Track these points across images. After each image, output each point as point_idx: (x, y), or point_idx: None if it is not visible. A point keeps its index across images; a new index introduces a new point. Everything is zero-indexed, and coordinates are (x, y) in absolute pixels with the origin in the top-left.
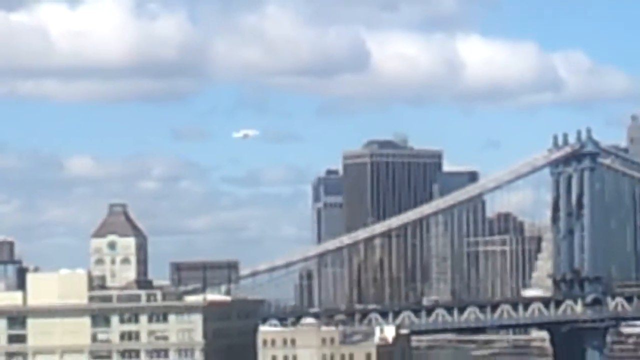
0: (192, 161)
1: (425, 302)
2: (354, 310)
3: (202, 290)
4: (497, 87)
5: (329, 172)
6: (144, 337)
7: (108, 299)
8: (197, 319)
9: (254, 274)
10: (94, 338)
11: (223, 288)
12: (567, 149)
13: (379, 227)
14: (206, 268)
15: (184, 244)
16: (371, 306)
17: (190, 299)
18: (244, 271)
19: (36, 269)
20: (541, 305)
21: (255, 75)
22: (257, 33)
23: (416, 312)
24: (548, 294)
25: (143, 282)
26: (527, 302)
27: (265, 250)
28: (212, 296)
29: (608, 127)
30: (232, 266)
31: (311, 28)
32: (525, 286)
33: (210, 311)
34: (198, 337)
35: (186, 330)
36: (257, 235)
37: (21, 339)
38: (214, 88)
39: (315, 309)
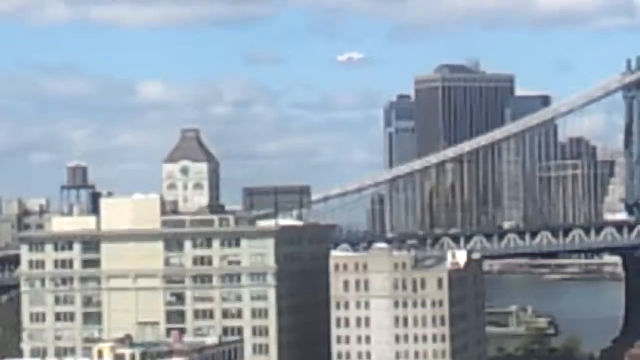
0: (264, 86)
1: (506, 226)
2: (426, 234)
3: (274, 215)
4: (570, 11)
5: (401, 96)
6: (216, 262)
7: (181, 223)
8: (269, 243)
9: (325, 199)
10: (167, 262)
11: (295, 213)
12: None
13: (451, 152)
14: (278, 193)
15: (256, 168)
16: (444, 230)
17: (263, 223)
18: (315, 196)
19: (109, 194)
20: (614, 230)
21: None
22: None
23: (488, 236)
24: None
25: (215, 207)
26: (600, 226)
27: (337, 175)
28: (284, 221)
29: None
30: (304, 191)
31: None
32: (597, 211)
33: (282, 236)
34: (270, 261)
35: (258, 254)
36: (328, 160)
37: (95, 263)
38: (285, 12)
39: (390, 234)
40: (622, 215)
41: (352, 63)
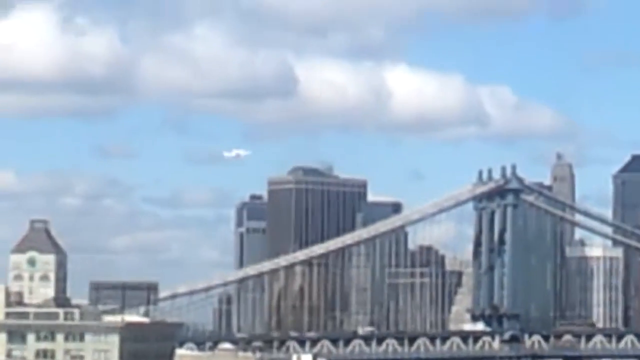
0: (116, 179)
1: (361, 331)
2: (272, 337)
3: (121, 310)
4: (423, 119)
5: (253, 197)
6: (59, 356)
7: (25, 315)
8: (114, 339)
9: (173, 297)
10: (9, 355)
11: (142, 309)
12: (491, 185)
13: (301, 255)
14: (125, 288)
15: (104, 263)
16: (292, 333)
17: (108, 319)
18: (163, 293)
19: None
20: (459, 340)
21: (181, 96)
22: (185, 53)
23: (334, 341)
24: (488, 328)
25: (61, 300)
26: (446, 336)
27: (186, 273)
28: (130, 317)
29: (532, 164)
30: (152, 288)
31: (239, 51)
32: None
33: (127, 332)
34: (114, 358)
35: (102, 350)
36: (178, 257)
37: None
38: (140, 107)
39: (242, 334)
40: (480, 326)
41: (231, 160)
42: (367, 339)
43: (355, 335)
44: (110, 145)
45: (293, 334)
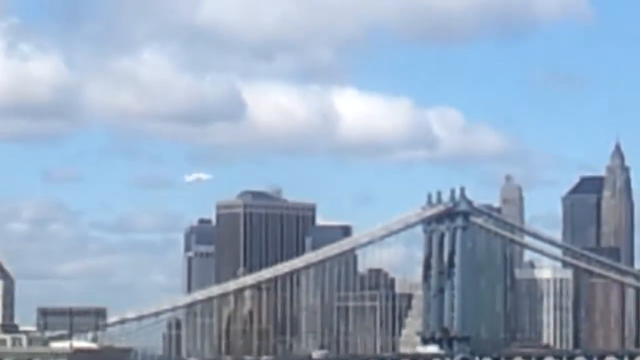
0: (63, 204)
1: (314, 355)
2: None
3: (69, 336)
4: (372, 142)
5: (202, 221)
6: None
7: None
8: None
9: (122, 322)
10: None
11: (90, 335)
12: (441, 207)
13: (250, 279)
14: (73, 314)
15: (52, 288)
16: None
17: (56, 345)
18: (111, 318)
19: None
20: None
21: (128, 120)
22: (132, 77)
23: None
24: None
25: (9, 326)
26: (396, 358)
27: (134, 298)
28: (79, 343)
29: (481, 186)
30: (100, 313)
31: (186, 75)
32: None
33: (76, 358)
34: None
35: None
36: (126, 282)
37: None
38: (86, 131)
39: (192, 359)
40: (432, 348)
41: (195, 183)
42: None
43: (309, 358)
44: (56, 170)
45: (247, 358)
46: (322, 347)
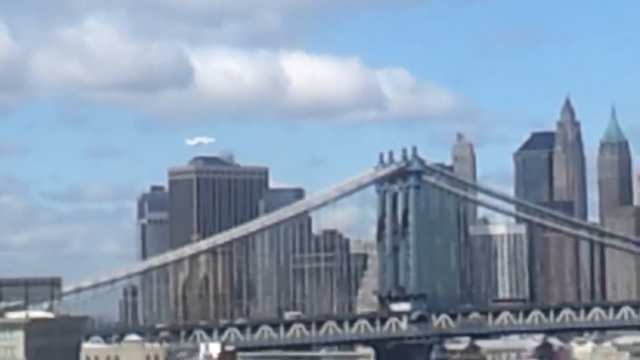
0: (12, 176)
1: (287, 316)
2: (179, 326)
3: (24, 307)
4: (322, 104)
5: (154, 188)
6: None
7: None
8: (19, 336)
9: (77, 291)
10: None
11: (45, 305)
12: (393, 167)
13: (204, 244)
14: (28, 284)
15: (5, 260)
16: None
17: (12, 315)
18: (67, 288)
19: None
20: (367, 322)
21: (76, 90)
22: (78, 47)
23: (242, 328)
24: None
25: None
26: (353, 318)
27: (89, 267)
28: (35, 313)
29: (432, 145)
30: (55, 283)
31: (133, 43)
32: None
33: (32, 328)
34: (20, 354)
35: (8, 347)
36: (80, 251)
37: None
38: (34, 103)
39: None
40: (406, 306)
41: (201, 146)
42: (274, 325)
43: (282, 319)
44: (5, 142)
45: (222, 321)
46: (278, 310)
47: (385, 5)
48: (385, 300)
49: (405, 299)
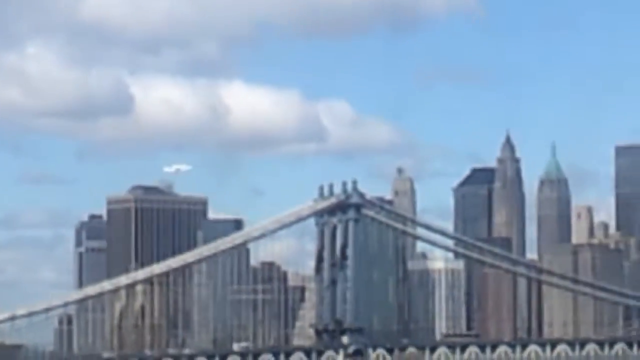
0: None
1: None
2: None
3: None
4: (261, 135)
5: (92, 216)
6: None
7: None
8: None
9: (12, 319)
10: None
11: None
12: (333, 200)
13: (142, 273)
14: None
15: None
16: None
17: None
18: (1, 315)
19: None
20: (303, 355)
21: (14, 115)
22: (18, 72)
23: (176, 359)
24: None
25: None
26: (290, 351)
27: (24, 295)
28: None
29: (372, 178)
30: None
31: (73, 69)
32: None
33: None
34: None
35: None
36: (14, 278)
37: None
38: None
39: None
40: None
41: (178, 174)
42: (210, 357)
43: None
44: None
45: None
46: (214, 341)
47: (325, 36)
48: (322, 333)
49: (342, 332)
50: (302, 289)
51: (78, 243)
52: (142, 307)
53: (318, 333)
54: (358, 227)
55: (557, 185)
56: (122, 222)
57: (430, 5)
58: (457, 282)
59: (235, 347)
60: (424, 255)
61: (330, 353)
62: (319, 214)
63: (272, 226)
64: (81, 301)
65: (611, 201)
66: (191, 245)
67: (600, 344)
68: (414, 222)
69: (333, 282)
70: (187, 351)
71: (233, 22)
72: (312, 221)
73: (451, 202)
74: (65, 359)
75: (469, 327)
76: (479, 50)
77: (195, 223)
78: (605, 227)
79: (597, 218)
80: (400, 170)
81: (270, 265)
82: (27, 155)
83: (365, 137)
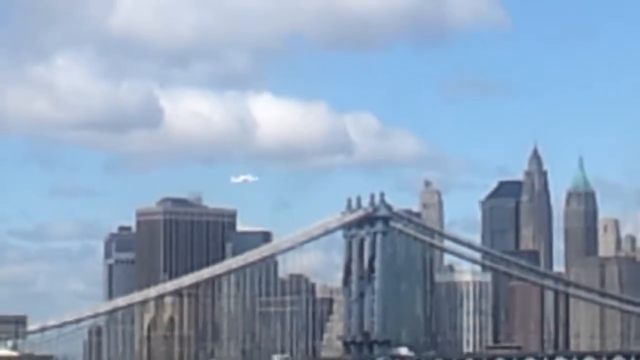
0: None
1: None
2: None
3: None
4: (289, 148)
5: (122, 228)
6: None
7: None
8: None
9: (42, 330)
10: None
11: (10, 343)
12: (360, 212)
13: (171, 285)
14: None
15: None
16: None
17: None
18: (32, 326)
19: None
20: None
21: (45, 128)
22: (48, 85)
23: None
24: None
25: None
26: None
27: (54, 306)
28: None
29: (399, 191)
30: (20, 321)
31: (103, 82)
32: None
33: None
34: None
35: None
36: (45, 290)
37: None
38: (3, 139)
39: None
40: (403, 351)
41: (246, 184)
42: None
43: None
44: None
45: None
46: (243, 352)
47: (352, 49)
48: (349, 345)
49: (370, 344)
50: (330, 301)
51: (107, 255)
52: (171, 319)
53: (346, 345)
54: (386, 239)
55: (584, 198)
56: (151, 234)
57: (456, 17)
58: (485, 294)
59: (275, 358)
60: (451, 268)
61: None
62: (346, 226)
63: (300, 239)
64: (110, 312)
65: (638, 214)
66: (220, 257)
67: (627, 357)
68: (442, 235)
69: (361, 295)
70: None
71: (262, 35)
72: (340, 234)
73: (479, 214)
74: None
75: (495, 340)
76: (505, 62)
77: (224, 235)
78: (632, 240)
79: (624, 231)
80: (427, 183)
81: (298, 278)
82: (57, 167)
83: (392, 150)
